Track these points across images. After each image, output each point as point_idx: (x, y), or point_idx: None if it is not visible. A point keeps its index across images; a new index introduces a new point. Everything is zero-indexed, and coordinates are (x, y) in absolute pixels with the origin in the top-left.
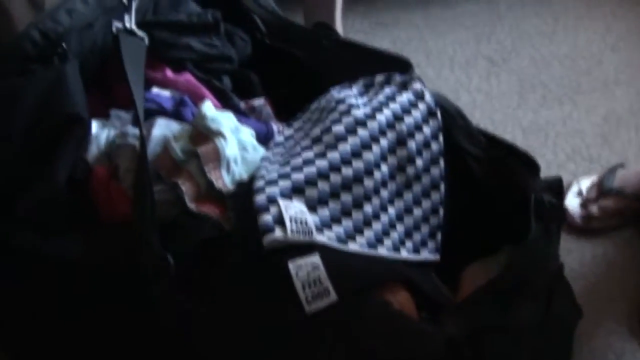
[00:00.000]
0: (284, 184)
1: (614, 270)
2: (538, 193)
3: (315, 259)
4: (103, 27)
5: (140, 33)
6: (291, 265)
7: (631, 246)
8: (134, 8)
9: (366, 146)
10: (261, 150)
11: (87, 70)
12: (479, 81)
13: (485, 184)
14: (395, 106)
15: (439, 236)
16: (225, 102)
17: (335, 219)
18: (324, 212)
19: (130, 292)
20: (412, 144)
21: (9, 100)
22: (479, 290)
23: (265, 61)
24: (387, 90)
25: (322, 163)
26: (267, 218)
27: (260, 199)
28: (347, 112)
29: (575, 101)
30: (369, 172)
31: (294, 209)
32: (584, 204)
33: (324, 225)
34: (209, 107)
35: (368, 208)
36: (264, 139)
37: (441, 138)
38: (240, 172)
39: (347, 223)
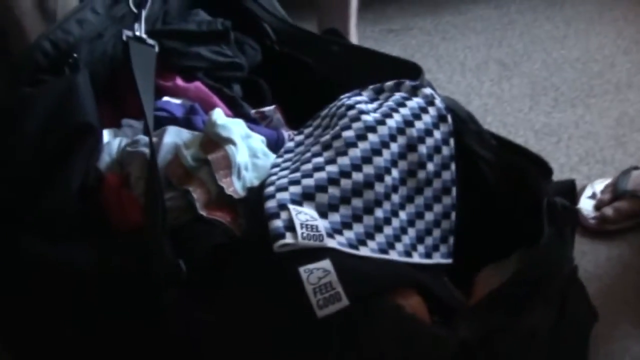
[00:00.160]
0: (295, 189)
1: (630, 273)
2: (550, 196)
3: (326, 263)
4: (113, 36)
5: (150, 41)
6: (302, 271)
7: None
8: (144, 17)
9: (376, 151)
10: (272, 157)
11: (98, 80)
12: (491, 85)
13: (498, 188)
14: (405, 111)
15: (451, 240)
16: (236, 110)
17: (346, 224)
18: (335, 217)
19: (140, 299)
20: (422, 149)
21: (20, 110)
22: (491, 293)
23: (275, 68)
24: (397, 96)
25: (332, 169)
26: (278, 224)
27: (270, 205)
28: (357, 118)
29: (588, 104)
30: (379, 177)
31: (304, 214)
32: (598, 207)
33: (334, 231)
34: (219, 115)
35: (379, 213)
36: (275, 146)
37: (452, 142)
38: (251, 178)
39: (358, 228)
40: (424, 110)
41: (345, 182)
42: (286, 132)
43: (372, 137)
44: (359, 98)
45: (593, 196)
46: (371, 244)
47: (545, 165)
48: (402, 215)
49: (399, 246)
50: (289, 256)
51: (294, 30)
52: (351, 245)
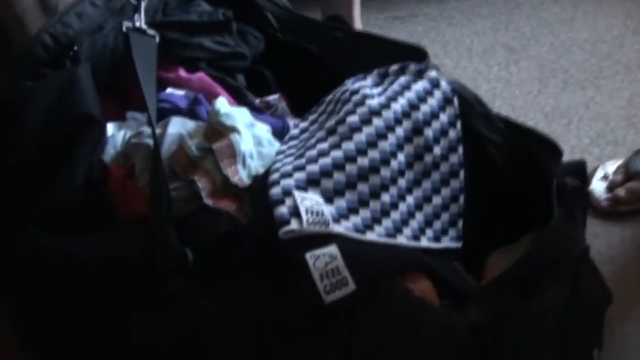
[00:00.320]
0: (299, 175)
1: None
2: (560, 177)
3: (333, 249)
4: (114, 29)
5: (150, 31)
6: (308, 256)
7: None
8: (143, 8)
9: (382, 135)
10: (277, 145)
11: (100, 73)
12: (498, 69)
13: (506, 170)
14: (410, 95)
15: (460, 224)
16: (240, 100)
17: (352, 209)
18: (341, 202)
19: (146, 290)
20: (428, 132)
21: (22, 104)
22: (501, 276)
23: (278, 57)
24: (402, 80)
25: (337, 154)
26: (283, 210)
27: (275, 191)
28: (362, 102)
29: (598, 85)
30: (385, 162)
31: (309, 200)
32: (611, 188)
33: (340, 216)
34: (222, 103)
35: (385, 197)
36: (280, 134)
37: (459, 125)
38: (257, 166)
39: (364, 213)
40: (429, 93)
41: (350, 167)
42: (291, 121)
43: (377, 121)
44: (363, 83)
45: (605, 178)
46: (378, 228)
47: (554, 147)
48: (410, 199)
49: (407, 230)
50: (294, 242)
51: (297, 18)
52: (357, 230)
